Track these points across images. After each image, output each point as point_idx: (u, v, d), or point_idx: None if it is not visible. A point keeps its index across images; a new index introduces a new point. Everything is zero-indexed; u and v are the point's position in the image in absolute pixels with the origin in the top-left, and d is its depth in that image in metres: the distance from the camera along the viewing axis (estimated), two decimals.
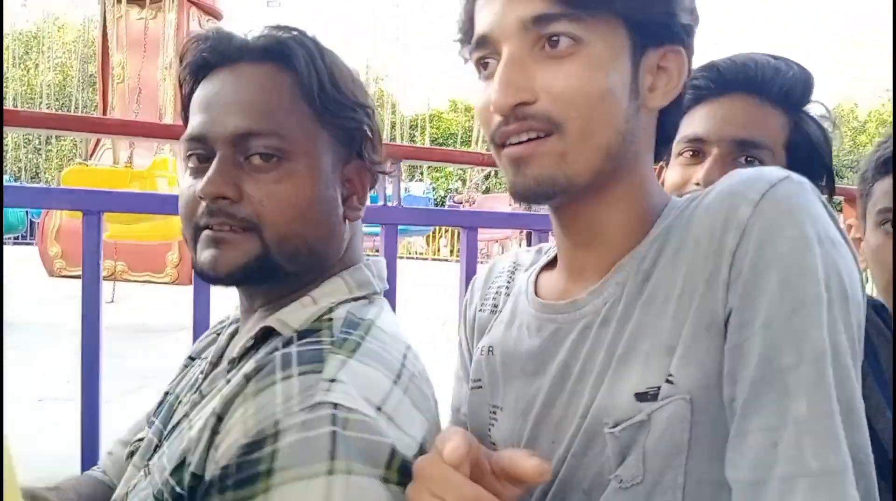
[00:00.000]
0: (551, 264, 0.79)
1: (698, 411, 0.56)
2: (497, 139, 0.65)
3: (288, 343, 0.65)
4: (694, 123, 0.94)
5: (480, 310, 0.85)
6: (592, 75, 0.61)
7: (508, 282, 0.84)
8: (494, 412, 0.75)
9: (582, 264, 0.70)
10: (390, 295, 1.99)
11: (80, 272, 1.43)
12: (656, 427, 0.57)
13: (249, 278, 0.70)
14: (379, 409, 0.60)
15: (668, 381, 0.57)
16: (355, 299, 0.73)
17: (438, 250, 17.48)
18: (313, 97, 0.69)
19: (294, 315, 0.69)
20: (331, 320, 0.68)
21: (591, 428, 0.62)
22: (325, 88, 0.69)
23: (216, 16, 9.87)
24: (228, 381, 0.66)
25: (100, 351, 1.41)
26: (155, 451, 0.71)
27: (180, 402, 0.75)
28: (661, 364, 0.58)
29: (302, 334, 0.66)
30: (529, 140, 0.62)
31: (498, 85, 0.61)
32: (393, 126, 21.04)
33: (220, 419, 0.60)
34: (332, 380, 0.59)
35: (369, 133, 0.74)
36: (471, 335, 0.87)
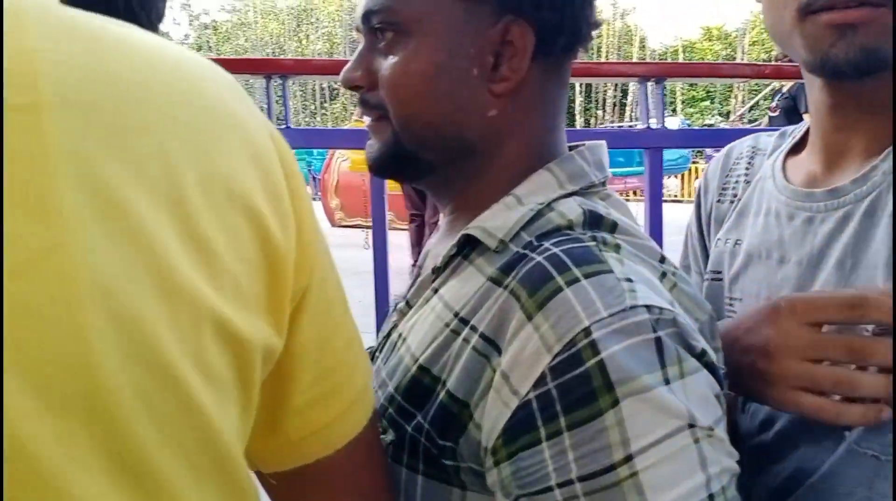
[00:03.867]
0: (797, 148, 0.74)
1: None
2: (804, 4, 0.59)
3: (533, 247, 0.55)
4: None
5: (718, 201, 0.80)
6: None
7: (748, 169, 0.78)
8: (732, 304, 0.72)
9: (843, 148, 0.66)
10: (656, 238, 1.99)
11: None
12: None
13: (391, 170, 0.67)
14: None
15: None
16: (569, 195, 0.61)
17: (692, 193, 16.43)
18: None
19: (498, 221, 0.59)
20: (564, 216, 0.57)
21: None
22: None
23: None
24: (436, 290, 0.62)
25: (388, 289, 1.57)
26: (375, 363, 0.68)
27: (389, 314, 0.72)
28: None
29: (542, 235, 0.56)
30: (862, 5, 0.57)
31: None
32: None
33: (487, 339, 0.53)
34: (629, 279, 0.51)
35: None
36: (707, 225, 0.82)
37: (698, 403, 0.48)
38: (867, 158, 0.63)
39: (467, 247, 0.61)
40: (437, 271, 0.64)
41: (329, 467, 0.49)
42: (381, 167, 0.66)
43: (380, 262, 1.54)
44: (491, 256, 0.58)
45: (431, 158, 0.63)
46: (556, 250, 0.53)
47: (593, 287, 0.50)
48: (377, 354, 0.68)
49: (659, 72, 1.84)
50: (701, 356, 0.51)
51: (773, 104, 5.74)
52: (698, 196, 0.84)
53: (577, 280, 0.50)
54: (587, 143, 0.65)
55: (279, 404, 0.46)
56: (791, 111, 5.23)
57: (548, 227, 0.57)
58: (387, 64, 0.60)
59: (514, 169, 0.62)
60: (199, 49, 28.58)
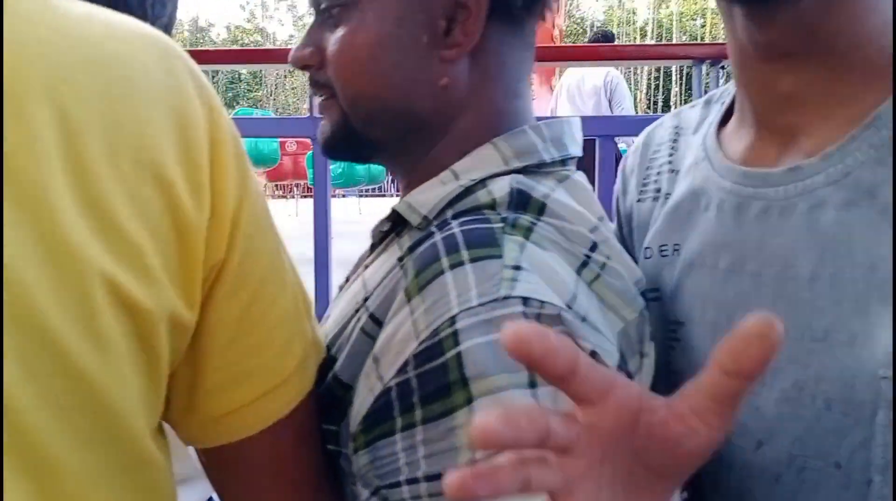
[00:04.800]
0: (727, 118, 0.59)
1: None
2: None
3: (444, 224, 0.51)
4: None
5: (639, 200, 0.66)
6: None
7: (671, 155, 0.63)
8: (675, 330, 0.56)
9: (788, 116, 0.50)
10: None
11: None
12: None
13: (341, 152, 0.63)
14: (569, 306, 0.47)
15: None
16: (516, 172, 0.56)
17: None
18: None
19: (425, 195, 0.55)
20: (490, 194, 0.53)
21: (851, 368, 0.43)
22: None
23: None
24: (366, 267, 0.59)
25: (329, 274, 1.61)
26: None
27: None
28: None
29: (458, 214, 0.53)
30: None
31: None
32: None
33: (375, 320, 0.50)
34: (517, 267, 0.46)
35: None
36: (629, 233, 0.67)
37: None
38: (838, 123, 0.48)
39: (399, 224, 0.58)
40: (372, 248, 0.62)
41: (251, 449, 0.47)
42: (330, 149, 0.63)
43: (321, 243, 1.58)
44: (414, 233, 0.55)
45: (381, 136, 0.60)
46: (457, 229, 0.49)
47: (474, 272, 0.46)
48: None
49: (716, 54, 1.78)
50: (594, 359, 0.44)
51: None
52: (616, 201, 0.71)
53: (461, 264, 0.46)
54: (556, 119, 0.61)
55: (194, 379, 0.45)
56: None
57: (470, 205, 0.53)
58: (333, 38, 0.58)
59: (469, 142, 0.58)
60: None
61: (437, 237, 0.49)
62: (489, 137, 0.58)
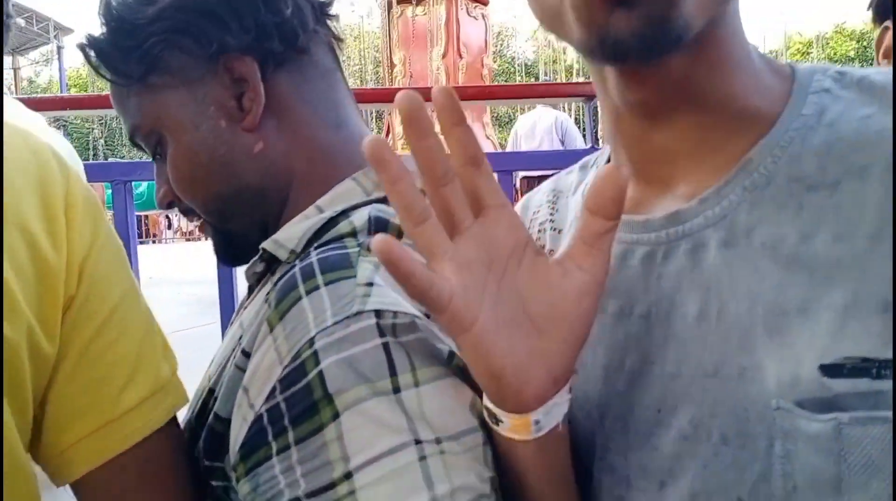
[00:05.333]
0: None
1: None
2: None
3: (306, 256, 0.54)
4: None
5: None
6: None
7: (552, 215, 0.65)
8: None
9: (664, 167, 0.52)
10: None
11: None
12: (851, 448, 0.40)
13: (235, 259, 0.68)
14: (428, 316, 0.49)
15: (889, 370, 0.39)
16: (373, 202, 0.60)
17: None
18: (111, 70, 0.63)
19: (291, 230, 0.58)
20: (351, 224, 0.56)
21: (743, 402, 0.44)
22: (103, 51, 0.63)
23: (483, 2, 9.80)
24: (244, 307, 0.63)
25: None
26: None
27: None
28: (871, 328, 0.40)
29: (321, 244, 0.55)
30: None
31: None
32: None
33: (245, 354, 0.52)
34: (369, 284, 0.49)
35: (191, 20, 0.60)
36: None
37: (438, 413, 0.45)
38: (711, 169, 0.50)
39: (273, 263, 0.60)
40: (250, 290, 0.64)
41: (97, 483, 0.50)
42: (224, 259, 0.68)
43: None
44: (284, 268, 0.56)
45: (243, 224, 0.64)
46: (314, 258, 0.51)
47: (329, 294, 0.48)
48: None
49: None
50: (450, 361, 0.48)
51: None
52: None
53: (316, 288, 0.49)
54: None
55: (43, 410, 0.49)
56: None
57: (333, 235, 0.55)
58: (167, 170, 0.64)
59: (315, 178, 0.62)
60: None
61: (297, 268, 0.51)
62: (329, 171, 0.61)
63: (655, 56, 0.45)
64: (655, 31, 0.43)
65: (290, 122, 0.62)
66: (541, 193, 0.68)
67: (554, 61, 24.44)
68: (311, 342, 0.46)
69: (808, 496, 0.40)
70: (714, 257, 0.47)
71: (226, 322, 1.57)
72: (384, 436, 0.44)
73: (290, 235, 0.58)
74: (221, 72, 0.61)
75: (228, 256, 0.67)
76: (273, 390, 0.47)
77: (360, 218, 0.56)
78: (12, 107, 1.15)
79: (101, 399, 0.50)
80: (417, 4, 9.29)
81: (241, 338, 0.55)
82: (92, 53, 0.63)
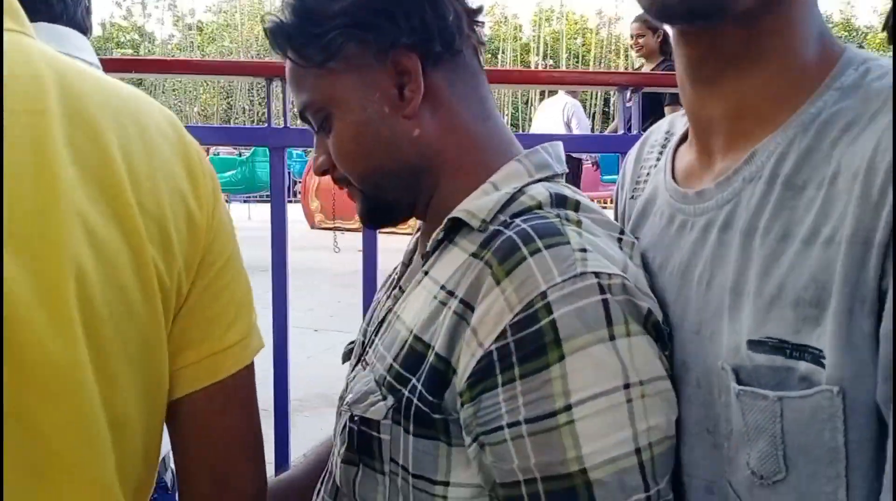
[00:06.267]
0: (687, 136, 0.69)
1: (857, 413, 0.46)
2: None
3: (507, 224, 0.64)
4: None
5: (632, 197, 0.77)
6: None
7: (659, 158, 0.74)
8: None
9: (711, 139, 0.61)
10: None
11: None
12: (792, 418, 0.49)
13: (379, 222, 0.79)
14: (624, 273, 0.60)
15: (799, 354, 0.49)
16: (537, 181, 0.70)
17: None
18: (296, 52, 0.72)
19: (478, 203, 0.68)
20: (534, 198, 0.66)
21: (713, 364, 0.55)
22: (290, 35, 0.71)
23: None
24: (426, 272, 0.71)
25: (287, 290, 1.65)
26: (365, 348, 0.77)
27: (380, 303, 0.82)
28: (788, 317, 0.50)
29: (515, 215, 0.65)
30: None
31: None
32: None
33: (465, 303, 0.62)
34: (583, 250, 0.59)
35: (370, 18, 0.69)
36: (622, 220, 0.78)
37: (641, 361, 0.56)
38: (735, 148, 0.59)
39: (452, 232, 0.69)
40: (425, 256, 0.72)
41: (193, 404, 0.58)
42: (370, 222, 0.79)
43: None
44: (473, 235, 0.66)
45: (397, 196, 0.75)
46: (524, 225, 0.61)
47: (552, 256, 0.58)
48: (373, 338, 0.75)
49: (637, 81, 1.91)
50: (647, 318, 0.58)
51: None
52: (616, 195, 0.82)
53: (539, 250, 0.58)
54: (550, 143, 0.74)
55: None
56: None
57: (521, 208, 0.65)
58: (329, 143, 0.74)
59: (465, 162, 0.72)
60: (184, 50, 27.19)
61: (510, 233, 0.61)
62: (480, 153, 0.72)
63: (700, 20, 0.55)
64: (703, 2, 0.52)
65: (443, 113, 0.72)
66: (661, 129, 0.78)
67: (509, 38, 25.83)
68: (544, 295, 0.56)
69: (737, 439, 0.53)
70: (715, 235, 0.58)
71: (370, 291, 1.63)
72: (601, 378, 0.55)
73: (480, 206, 0.67)
74: (389, 64, 0.70)
75: (374, 219, 0.78)
76: (504, 332, 0.57)
77: (539, 194, 0.66)
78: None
79: (211, 334, 0.58)
80: None
81: (444, 291, 0.65)
82: (278, 36, 0.72)
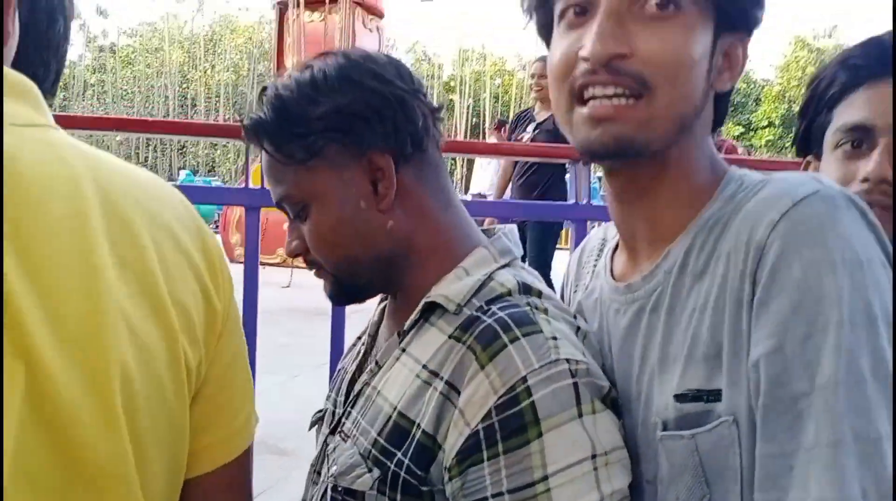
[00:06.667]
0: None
1: (745, 435, 0.59)
2: (577, 90, 0.66)
3: (482, 310, 0.72)
4: (855, 110, 0.83)
5: (575, 290, 0.88)
6: (688, 43, 0.63)
7: (596, 262, 0.85)
8: None
9: (633, 237, 0.74)
10: None
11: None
12: (705, 449, 0.61)
13: (348, 301, 0.86)
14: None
15: (714, 397, 0.61)
16: (503, 267, 0.78)
17: None
18: (276, 149, 0.78)
19: (453, 288, 0.75)
20: (504, 285, 0.74)
21: (649, 422, 0.66)
22: (270, 133, 0.78)
23: (379, 14, 9.81)
24: (403, 350, 0.77)
25: (256, 331, 1.69)
26: (339, 419, 0.81)
27: (348, 373, 0.86)
28: (700, 371, 0.62)
29: (490, 300, 0.73)
30: (616, 97, 0.64)
31: (596, 35, 0.62)
32: None
33: (449, 385, 0.68)
34: (555, 337, 0.67)
35: (349, 122, 0.76)
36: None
37: (604, 434, 0.65)
38: (654, 250, 0.71)
39: (427, 312, 0.76)
40: (401, 335, 0.79)
41: (204, 484, 0.61)
42: (338, 302, 0.85)
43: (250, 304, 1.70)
44: (449, 317, 0.74)
45: (367, 280, 0.81)
46: (501, 314, 0.69)
47: (529, 344, 0.66)
48: (349, 409, 0.80)
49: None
50: (607, 395, 0.68)
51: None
52: (562, 289, 0.94)
53: (517, 338, 0.67)
54: (506, 226, 0.84)
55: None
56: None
57: (493, 294, 0.73)
58: (305, 230, 0.79)
59: (434, 248, 0.79)
60: (97, 72, 26.27)
61: (490, 320, 0.69)
62: (447, 239, 0.80)
63: (621, 159, 0.68)
64: (620, 145, 0.65)
65: (413, 204, 0.79)
66: (597, 238, 0.89)
67: (430, 76, 26.44)
68: (525, 379, 0.64)
69: (667, 480, 0.64)
70: (647, 317, 0.69)
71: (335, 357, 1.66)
72: (573, 451, 0.63)
73: (455, 291, 0.74)
74: (365, 163, 0.76)
75: (342, 300, 0.84)
76: (489, 412, 0.65)
77: (508, 281, 0.75)
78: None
79: (225, 417, 0.62)
80: (314, 11, 9.11)
81: (427, 371, 0.72)
82: (259, 132, 0.78)
